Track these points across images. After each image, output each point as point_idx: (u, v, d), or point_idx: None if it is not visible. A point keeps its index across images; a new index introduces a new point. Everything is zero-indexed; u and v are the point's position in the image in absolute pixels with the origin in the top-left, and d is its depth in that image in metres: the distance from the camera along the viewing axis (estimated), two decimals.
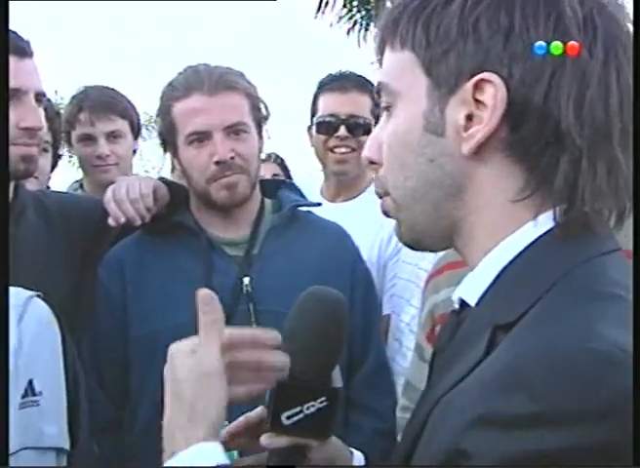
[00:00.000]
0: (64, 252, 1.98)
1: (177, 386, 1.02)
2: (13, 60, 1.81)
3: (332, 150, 2.68)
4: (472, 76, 0.86)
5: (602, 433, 0.69)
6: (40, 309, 1.57)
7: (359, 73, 2.78)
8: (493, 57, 0.85)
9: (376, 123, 2.65)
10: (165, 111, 2.01)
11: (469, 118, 0.87)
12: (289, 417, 1.13)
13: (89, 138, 2.75)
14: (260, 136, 2.07)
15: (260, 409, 1.23)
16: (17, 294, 1.55)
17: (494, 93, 0.84)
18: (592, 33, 0.84)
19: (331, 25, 15.57)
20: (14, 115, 1.81)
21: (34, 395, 1.48)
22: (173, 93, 1.99)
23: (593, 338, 0.73)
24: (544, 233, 0.86)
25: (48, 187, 2.88)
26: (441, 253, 2.12)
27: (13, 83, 1.80)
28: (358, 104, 2.66)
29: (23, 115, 1.83)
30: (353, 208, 2.65)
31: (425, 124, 0.90)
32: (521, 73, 0.84)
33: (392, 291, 2.38)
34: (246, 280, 1.97)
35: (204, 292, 1.08)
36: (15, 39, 1.84)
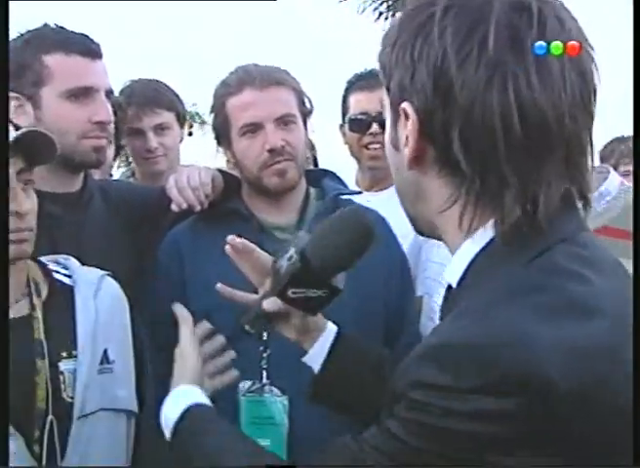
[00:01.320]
0: (127, 236, 2.15)
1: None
2: (85, 62, 2.00)
3: (366, 147, 2.82)
4: (399, 105, 1.02)
5: (494, 405, 0.86)
6: (112, 286, 1.75)
7: None
8: (407, 88, 0.99)
9: None
10: (219, 107, 2.17)
11: (407, 139, 1.02)
12: (294, 293, 1.44)
13: (137, 132, 2.87)
14: (306, 129, 2.22)
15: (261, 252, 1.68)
16: (90, 272, 1.73)
17: (410, 119, 0.99)
18: (470, 65, 0.93)
19: (358, 11, 15.57)
20: (86, 110, 1.99)
21: (108, 363, 1.66)
22: (226, 90, 2.15)
23: (498, 325, 0.90)
24: (482, 249, 1.00)
25: (110, 175, 3.05)
26: None
27: (86, 81, 2.00)
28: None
29: (96, 110, 2.01)
30: (389, 196, 2.78)
31: (390, 139, 1.09)
32: (423, 103, 0.97)
33: (426, 273, 2.51)
34: None
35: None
36: (86, 42, 2.02)
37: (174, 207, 2.15)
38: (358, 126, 2.79)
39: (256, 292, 2.01)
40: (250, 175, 2.16)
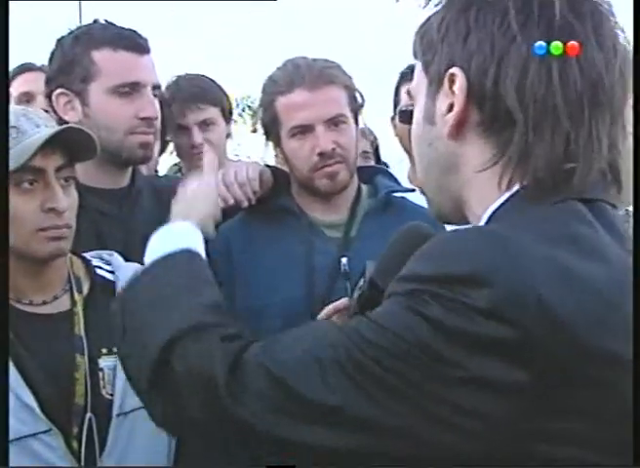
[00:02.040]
0: None
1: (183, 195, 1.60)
2: (133, 57, 1.99)
3: None
4: (447, 72, 1.03)
5: (478, 293, 0.85)
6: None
7: None
8: (457, 54, 1.02)
9: None
10: (268, 104, 2.12)
11: (451, 107, 1.03)
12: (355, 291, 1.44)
13: (182, 128, 2.84)
14: (357, 124, 2.18)
15: (344, 300, 1.63)
16: (133, 268, 1.70)
17: (458, 83, 1.01)
18: (532, 25, 0.97)
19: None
20: (133, 106, 1.98)
21: None
22: (275, 87, 2.10)
23: (487, 228, 0.94)
24: (511, 195, 1.01)
25: (156, 171, 3.05)
26: None
27: (133, 77, 1.99)
28: None
29: (142, 106, 1.99)
30: None
31: (425, 115, 1.10)
32: (476, 65, 0.99)
33: None
34: (344, 260, 2.08)
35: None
36: (134, 37, 2.01)
37: (220, 203, 2.13)
38: (409, 117, 2.72)
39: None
40: (300, 175, 2.13)
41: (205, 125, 2.86)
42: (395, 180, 2.31)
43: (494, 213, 1.01)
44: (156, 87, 2.04)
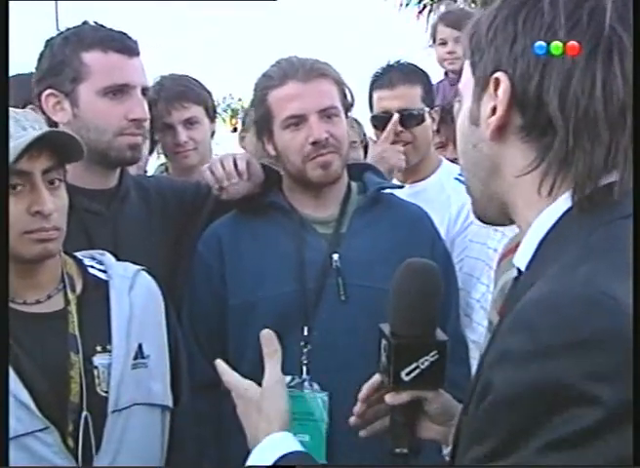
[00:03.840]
0: (162, 229, 2.16)
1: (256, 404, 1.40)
2: (123, 59, 2.01)
3: (392, 144, 2.79)
4: (492, 75, 1.04)
5: (587, 363, 0.82)
6: (147, 281, 1.76)
7: (406, 62, 2.85)
8: (504, 59, 1.02)
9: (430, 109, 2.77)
10: (260, 100, 2.15)
11: (494, 110, 1.05)
12: (408, 374, 1.31)
13: (167, 127, 2.87)
14: (347, 119, 2.21)
15: (374, 378, 1.46)
16: (125, 268, 1.74)
17: (502, 87, 1.02)
18: (579, 33, 0.97)
19: (401, 6, 15.45)
20: (122, 108, 2.00)
21: (143, 358, 1.66)
22: (268, 82, 2.13)
23: (582, 285, 0.87)
24: (570, 207, 1.01)
25: (145, 171, 3.06)
26: (511, 234, 2.24)
27: (123, 79, 2.00)
28: (407, 97, 2.75)
29: (132, 107, 2.01)
30: (422, 189, 2.76)
31: (470, 116, 1.10)
32: (520, 70, 1.00)
33: (462, 269, 2.49)
34: (335, 256, 2.11)
35: (265, 332, 1.46)
36: (124, 39, 2.03)
37: (214, 190, 2.17)
38: (380, 123, 2.77)
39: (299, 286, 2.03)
40: (292, 167, 2.15)
41: (189, 124, 2.89)
42: (384, 178, 2.34)
43: (548, 233, 1.02)
44: (145, 89, 2.06)
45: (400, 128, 2.72)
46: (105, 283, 1.69)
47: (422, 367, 1.32)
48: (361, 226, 2.17)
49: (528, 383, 0.85)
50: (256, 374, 2.05)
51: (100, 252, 1.77)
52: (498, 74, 1.03)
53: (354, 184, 2.27)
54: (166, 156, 3.05)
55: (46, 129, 1.60)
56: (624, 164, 0.99)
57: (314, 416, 2.04)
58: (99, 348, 1.61)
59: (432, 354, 1.32)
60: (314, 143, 2.09)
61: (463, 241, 2.53)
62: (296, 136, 2.12)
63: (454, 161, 3.09)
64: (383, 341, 1.38)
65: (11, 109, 1.69)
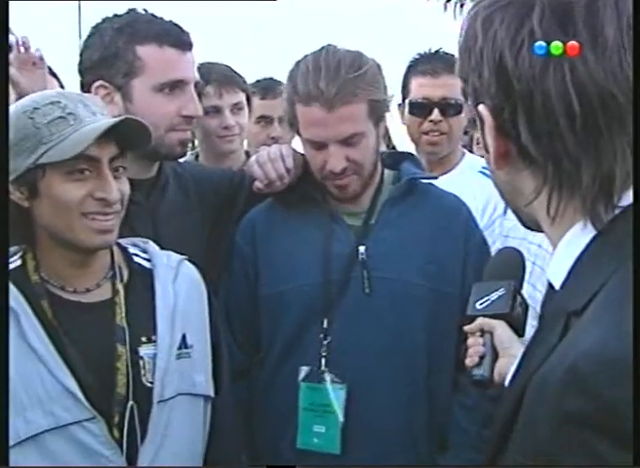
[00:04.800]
0: (199, 218, 2.15)
1: None
2: (177, 53, 1.96)
3: (426, 133, 2.75)
4: (477, 108, 1.03)
5: None
6: (190, 271, 1.75)
7: (448, 52, 2.82)
8: (479, 90, 1.01)
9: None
10: (290, 103, 2.07)
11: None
12: (481, 304, 1.59)
13: (215, 110, 2.86)
14: (378, 129, 2.11)
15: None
16: (169, 257, 1.73)
17: (486, 121, 1.01)
18: (528, 50, 0.94)
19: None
20: (176, 104, 1.97)
21: (186, 348, 1.66)
22: (295, 94, 2.04)
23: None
24: (596, 234, 0.97)
25: None
26: None
27: (178, 75, 1.96)
28: (450, 87, 2.70)
29: (185, 104, 1.97)
30: (447, 181, 2.71)
31: (482, 144, 1.08)
32: (492, 102, 0.99)
33: None
34: (362, 248, 2.09)
35: None
36: (179, 33, 1.98)
37: (257, 184, 2.14)
38: (419, 110, 2.73)
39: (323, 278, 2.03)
40: (316, 177, 2.13)
41: (237, 108, 2.90)
42: (422, 167, 2.30)
43: (572, 268, 0.99)
44: (197, 83, 2.03)
45: (440, 117, 2.69)
46: (150, 272, 1.68)
47: (492, 298, 1.58)
48: (391, 218, 2.14)
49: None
50: (283, 367, 2.07)
51: (144, 240, 1.76)
52: (479, 108, 1.02)
53: (389, 173, 2.23)
54: (205, 140, 3.01)
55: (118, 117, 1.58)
56: (621, 170, 0.95)
57: (331, 408, 2.04)
58: (144, 339, 1.60)
59: (501, 290, 1.58)
60: (330, 172, 2.05)
61: (492, 235, 2.50)
62: (315, 156, 2.07)
63: None
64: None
65: (79, 93, 1.67)
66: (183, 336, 1.66)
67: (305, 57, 2.07)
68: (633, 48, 0.94)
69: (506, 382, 1.54)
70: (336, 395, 2.04)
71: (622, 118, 0.94)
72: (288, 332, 2.11)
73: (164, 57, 1.95)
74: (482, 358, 1.57)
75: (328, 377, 2.05)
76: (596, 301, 0.92)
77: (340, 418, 2.03)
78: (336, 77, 1.99)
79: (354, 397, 2.04)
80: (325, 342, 2.05)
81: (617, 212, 0.97)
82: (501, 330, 1.59)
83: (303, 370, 2.07)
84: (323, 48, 2.07)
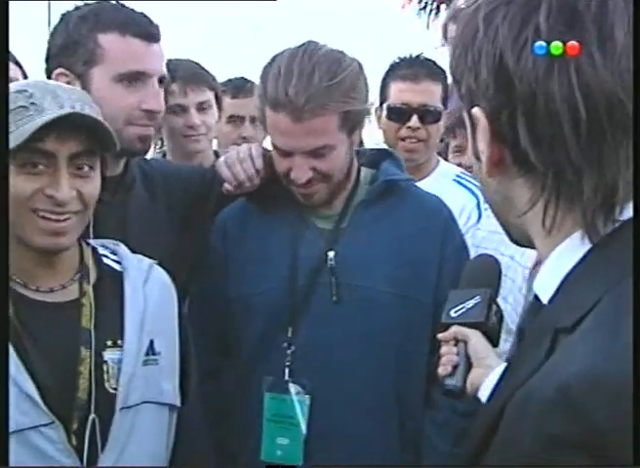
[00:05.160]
0: (168, 216, 2.08)
1: None
2: (142, 45, 1.89)
3: (402, 139, 2.71)
4: (470, 111, 0.97)
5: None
6: (161, 275, 1.69)
7: (429, 58, 2.80)
8: (474, 92, 0.95)
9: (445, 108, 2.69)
10: (260, 104, 1.97)
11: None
12: (455, 312, 1.57)
13: (180, 109, 2.79)
14: (352, 137, 2.02)
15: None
16: (140, 260, 1.67)
17: (481, 125, 0.95)
18: (526, 54, 0.90)
19: (403, 7, 15.28)
20: (136, 97, 1.89)
21: (154, 354, 1.60)
22: (263, 97, 1.94)
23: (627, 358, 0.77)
24: (592, 247, 0.92)
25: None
26: None
27: (140, 66, 1.89)
28: (430, 94, 2.69)
29: (146, 98, 1.89)
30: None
31: (472, 151, 1.03)
32: (489, 104, 0.93)
33: None
34: (331, 254, 2.01)
35: None
36: (145, 23, 1.92)
37: (226, 185, 2.07)
38: (398, 116, 2.69)
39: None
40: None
41: (203, 107, 2.83)
42: (402, 168, 2.18)
43: (574, 269, 0.93)
44: (162, 78, 1.95)
45: (418, 124, 2.65)
46: (120, 274, 1.62)
47: (468, 306, 1.56)
48: (364, 221, 2.05)
49: None
50: (249, 375, 2.01)
51: (114, 242, 1.70)
52: (474, 110, 0.96)
53: (367, 173, 2.13)
54: (170, 139, 2.95)
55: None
56: (626, 190, 0.90)
57: (294, 420, 1.98)
58: (109, 343, 1.54)
59: (476, 299, 1.56)
60: (295, 180, 1.97)
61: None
62: (281, 162, 1.98)
63: (471, 167, 3.03)
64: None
65: (58, 85, 1.60)
66: (152, 342, 1.59)
67: (282, 53, 1.95)
68: (634, 49, 0.89)
69: (480, 394, 1.52)
70: (300, 406, 1.99)
71: (628, 127, 0.89)
72: (253, 339, 2.04)
73: (126, 46, 1.87)
74: (455, 367, 1.55)
75: (292, 388, 1.99)
76: (589, 319, 0.87)
77: (304, 431, 1.97)
78: (307, 85, 1.86)
79: (319, 407, 1.98)
80: (289, 351, 1.99)
81: (616, 225, 0.92)
82: (476, 339, 1.56)
83: (268, 380, 2.01)
84: (303, 45, 1.95)
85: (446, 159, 3.07)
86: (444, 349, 1.58)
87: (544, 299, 0.98)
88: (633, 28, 0.90)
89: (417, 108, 2.67)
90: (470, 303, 1.56)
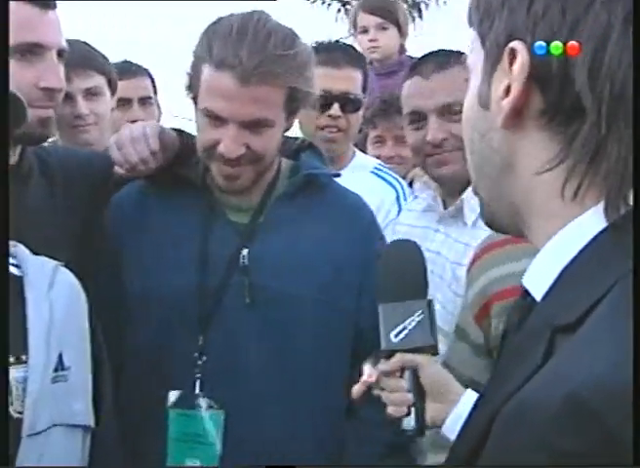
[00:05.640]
0: (68, 210, 1.86)
1: None
2: (34, 11, 1.66)
3: (321, 128, 2.56)
4: (506, 45, 0.84)
5: None
6: (68, 278, 1.50)
7: (348, 44, 2.70)
8: (520, 24, 0.83)
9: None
10: (195, 63, 1.78)
11: (508, 89, 0.84)
12: (396, 335, 1.36)
13: (67, 97, 2.58)
14: (289, 121, 1.89)
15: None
16: (43, 262, 1.48)
17: (519, 61, 0.83)
18: None
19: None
20: (32, 73, 1.67)
21: (63, 369, 1.41)
22: (207, 54, 1.75)
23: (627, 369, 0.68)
24: (605, 228, 0.81)
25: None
26: (455, 235, 2.09)
27: (33, 37, 1.66)
28: (352, 81, 2.56)
29: (44, 74, 1.68)
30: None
31: (479, 98, 0.89)
32: (541, 37, 0.82)
33: None
34: (244, 251, 1.83)
35: None
36: None
37: (117, 169, 1.86)
38: (317, 103, 2.55)
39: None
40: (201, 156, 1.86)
41: (91, 94, 2.59)
42: (322, 160, 2.04)
43: (576, 257, 0.82)
44: (62, 51, 1.73)
45: (339, 112, 2.51)
46: (20, 280, 1.42)
47: (410, 327, 1.36)
48: (283, 217, 1.88)
49: None
50: (146, 388, 1.79)
51: (12, 242, 1.48)
52: (513, 44, 0.83)
53: (287, 164, 1.97)
54: (59, 129, 2.69)
55: None
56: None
57: (207, 438, 1.79)
58: (12, 359, 1.33)
59: (418, 313, 1.36)
60: (222, 156, 1.78)
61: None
62: (209, 132, 1.77)
63: (391, 159, 2.93)
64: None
65: None
66: (60, 356, 1.40)
67: (231, 15, 1.77)
68: (634, 49, 0.80)
69: (445, 430, 1.38)
70: (212, 422, 1.79)
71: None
72: (152, 346, 1.83)
73: (16, 14, 1.59)
74: (410, 406, 1.36)
75: (203, 403, 1.80)
76: (596, 314, 0.75)
77: (219, 450, 1.79)
78: (262, 49, 1.71)
79: (233, 421, 1.79)
80: (199, 362, 1.80)
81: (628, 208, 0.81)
82: (430, 367, 1.39)
83: (173, 395, 1.81)
84: (254, 12, 1.79)
85: (364, 151, 2.96)
86: (391, 383, 1.40)
87: (538, 295, 0.86)
88: (633, 28, 0.81)
89: (337, 96, 2.52)
90: (411, 322, 1.36)
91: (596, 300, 0.76)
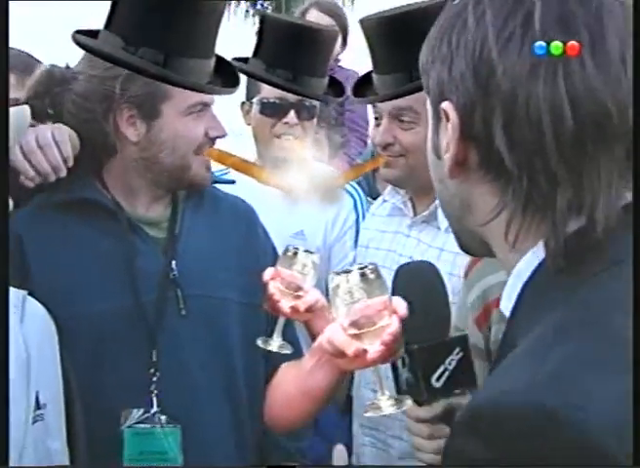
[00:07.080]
0: None
1: None
2: None
3: (277, 136, 2.46)
4: (439, 105, 0.89)
5: None
6: (37, 308, 1.41)
7: None
8: (446, 85, 0.87)
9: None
10: None
11: (448, 145, 0.89)
12: (438, 379, 1.21)
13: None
14: None
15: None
16: (12, 293, 1.37)
17: (450, 120, 0.87)
18: (513, 50, 0.83)
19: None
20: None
21: (39, 408, 1.33)
22: None
23: (545, 394, 0.72)
24: (539, 265, 0.86)
25: None
26: (427, 240, 2.09)
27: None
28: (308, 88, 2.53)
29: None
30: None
31: (432, 148, 0.94)
32: (463, 99, 0.86)
33: None
34: (173, 263, 1.78)
35: None
36: None
37: (24, 181, 1.69)
38: (272, 111, 2.43)
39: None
40: None
41: None
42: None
43: (530, 279, 0.86)
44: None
45: (296, 120, 2.44)
46: None
47: (450, 367, 1.23)
48: (194, 225, 1.85)
49: None
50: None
51: None
52: (444, 104, 0.87)
53: None
54: None
55: None
56: (606, 200, 0.82)
57: (166, 456, 1.73)
58: None
59: (456, 352, 1.24)
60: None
61: (344, 248, 2.35)
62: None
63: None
64: (398, 361, 1.25)
65: None
66: (37, 394, 1.31)
67: None
68: (634, 49, 0.83)
69: None
70: (170, 439, 1.74)
71: (611, 144, 0.82)
72: (85, 364, 1.66)
73: None
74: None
75: (160, 419, 1.73)
76: (533, 335, 0.79)
77: (180, 463, 1.74)
78: None
79: (189, 436, 1.73)
80: (154, 378, 1.73)
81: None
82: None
83: (129, 414, 1.72)
84: None
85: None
86: (432, 430, 1.28)
87: (507, 313, 0.91)
88: (633, 28, 0.84)
89: (294, 103, 2.45)
90: (451, 361, 1.23)
91: (537, 321, 0.81)
